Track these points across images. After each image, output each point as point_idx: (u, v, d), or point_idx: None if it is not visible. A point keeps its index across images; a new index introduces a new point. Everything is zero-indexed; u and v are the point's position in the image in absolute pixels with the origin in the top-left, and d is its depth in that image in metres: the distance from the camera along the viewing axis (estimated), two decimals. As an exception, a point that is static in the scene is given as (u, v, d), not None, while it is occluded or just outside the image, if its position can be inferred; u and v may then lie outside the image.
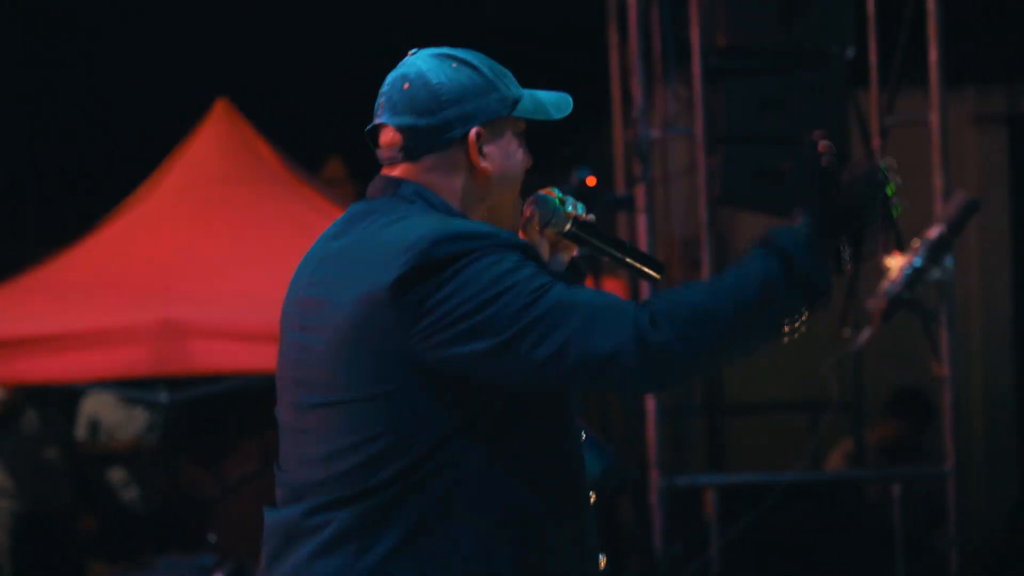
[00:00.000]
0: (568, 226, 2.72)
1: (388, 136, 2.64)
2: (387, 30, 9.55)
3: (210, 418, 9.65)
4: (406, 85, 2.61)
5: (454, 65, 2.62)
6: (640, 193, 6.56)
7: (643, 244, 6.52)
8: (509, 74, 2.68)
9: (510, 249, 2.48)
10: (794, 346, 8.05)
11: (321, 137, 10.17)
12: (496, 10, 9.78)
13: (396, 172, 2.63)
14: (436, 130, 2.60)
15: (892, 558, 6.28)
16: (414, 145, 2.61)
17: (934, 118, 6.28)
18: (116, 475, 8.74)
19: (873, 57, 6.44)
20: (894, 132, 6.53)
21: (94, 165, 9.53)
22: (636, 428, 6.44)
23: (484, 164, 2.61)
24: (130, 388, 8.26)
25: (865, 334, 6.46)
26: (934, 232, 5.99)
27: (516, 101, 2.65)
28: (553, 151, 9.90)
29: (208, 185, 6.83)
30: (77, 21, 9.78)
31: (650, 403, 6.32)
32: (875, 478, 7.31)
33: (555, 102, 2.71)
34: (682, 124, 6.91)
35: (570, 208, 2.73)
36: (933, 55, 6.26)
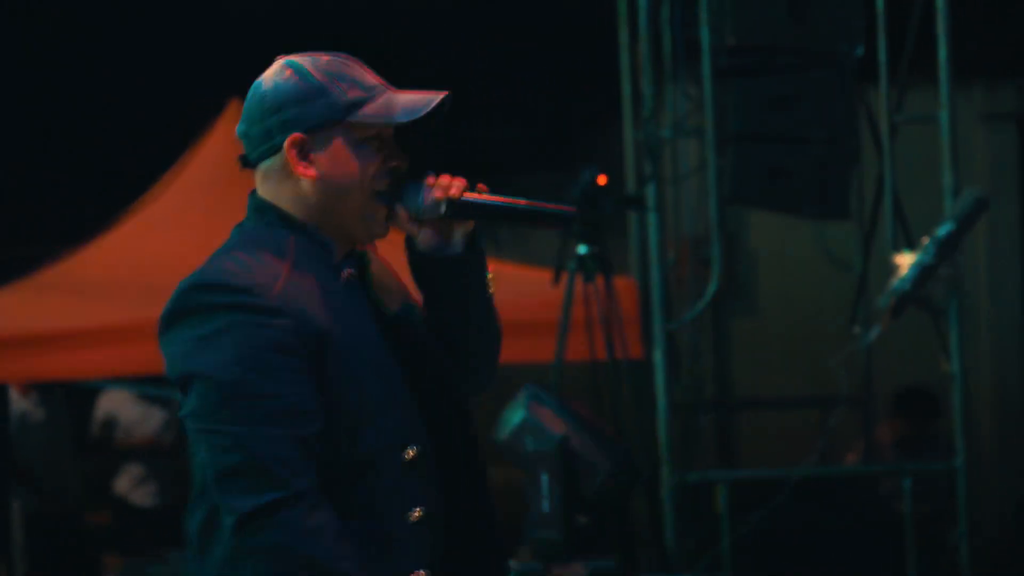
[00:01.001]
0: (443, 208, 2.61)
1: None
2: (396, 30, 9.60)
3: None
4: (249, 93, 2.63)
5: (286, 73, 2.59)
6: (650, 192, 6.60)
7: (652, 243, 6.56)
8: (360, 77, 2.60)
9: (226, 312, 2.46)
10: (805, 342, 8.12)
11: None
12: (507, 10, 9.81)
13: (255, 180, 2.65)
14: (262, 138, 2.58)
15: (903, 553, 6.30)
16: (249, 152, 2.62)
17: (943, 115, 6.31)
18: (133, 471, 8.81)
19: (882, 55, 6.47)
20: (903, 129, 6.54)
21: (110, 163, 9.58)
22: (647, 424, 6.48)
23: (306, 171, 2.56)
24: (147, 385, 8.31)
25: (875, 331, 6.49)
26: (943, 229, 6.01)
27: (352, 106, 2.56)
28: (563, 150, 9.94)
29: (222, 183, 6.87)
30: (91, 19, 9.83)
31: (660, 399, 6.36)
32: (885, 472, 7.33)
33: (409, 105, 2.60)
34: (692, 123, 6.94)
35: (439, 192, 2.61)
36: (942, 53, 6.29)
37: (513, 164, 10.47)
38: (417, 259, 2.68)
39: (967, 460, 6.23)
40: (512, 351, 6.84)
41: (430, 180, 2.63)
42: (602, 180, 6.07)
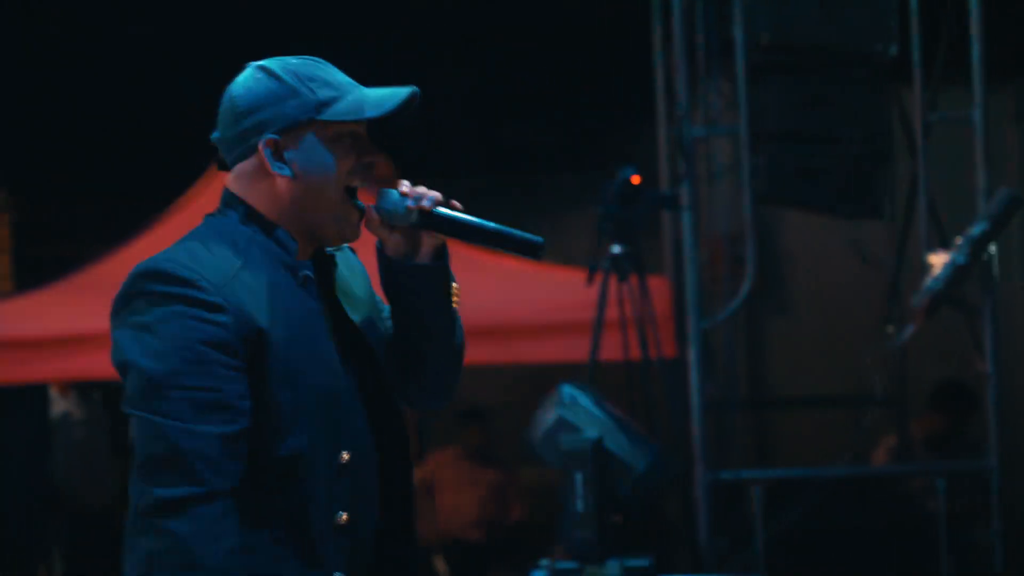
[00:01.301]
0: (414, 217, 2.65)
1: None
2: (434, 30, 9.62)
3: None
4: (223, 98, 2.66)
5: (257, 76, 2.63)
6: (684, 191, 6.61)
7: (687, 241, 6.57)
8: (329, 77, 2.65)
9: (174, 301, 2.49)
10: (839, 341, 8.11)
11: (370, 136, 10.24)
12: (540, 9, 9.82)
13: (227, 180, 2.68)
14: (236, 141, 2.62)
15: (936, 552, 6.30)
16: (225, 156, 2.66)
17: (977, 115, 6.30)
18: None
19: (916, 54, 6.47)
20: (937, 129, 6.54)
21: (147, 165, 9.64)
22: (681, 423, 6.49)
23: (281, 172, 2.60)
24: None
25: (909, 330, 6.48)
26: (977, 228, 6.01)
27: (323, 104, 2.61)
28: (597, 150, 9.95)
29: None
30: (136, 21, 9.90)
31: (694, 398, 6.37)
32: (919, 472, 7.32)
33: (377, 100, 2.65)
34: (726, 122, 6.94)
35: (411, 201, 2.64)
36: (976, 52, 6.28)
37: (547, 164, 10.49)
38: (385, 264, 2.70)
39: (1001, 459, 6.22)
40: (546, 351, 6.93)
41: (404, 188, 2.67)
42: (636, 179, 6.09)
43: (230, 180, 2.66)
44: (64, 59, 10.71)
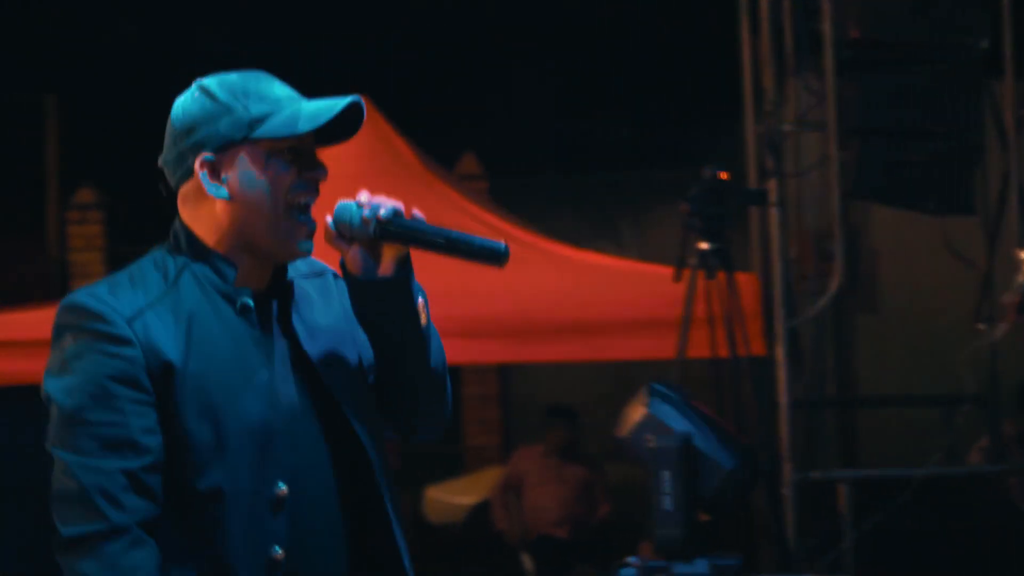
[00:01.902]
0: (372, 228, 2.55)
1: None
2: (519, 28, 9.63)
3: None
4: (168, 119, 2.62)
5: (195, 95, 2.57)
6: (772, 187, 6.57)
7: (775, 238, 6.53)
8: (266, 91, 2.56)
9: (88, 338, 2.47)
10: (929, 339, 8.02)
11: (456, 133, 10.27)
12: (628, 5, 9.80)
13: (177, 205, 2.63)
14: (176, 163, 2.57)
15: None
16: (168, 178, 2.60)
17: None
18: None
19: (1007, 48, 6.39)
20: (1029, 123, 6.47)
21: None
22: (769, 422, 6.45)
23: (217, 193, 2.53)
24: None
25: (1000, 328, 6.40)
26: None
27: (256, 121, 2.51)
28: (684, 146, 9.92)
29: (347, 180, 6.96)
30: (220, 15, 9.98)
31: (783, 397, 6.33)
32: (1011, 472, 7.24)
33: (312, 113, 2.53)
34: (814, 117, 6.89)
35: (368, 212, 2.54)
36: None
37: (634, 161, 10.47)
38: (348, 281, 2.62)
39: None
40: (633, 348, 6.91)
41: (362, 199, 2.57)
42: (724, 175, 6.05)
43: (180, 207, 2.60)
44: (154, 55, 10.81)
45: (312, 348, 2.60)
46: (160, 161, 2.61)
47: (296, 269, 2.66)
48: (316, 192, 2.57)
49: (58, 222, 10.57)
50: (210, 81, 2.58)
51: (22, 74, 11.47)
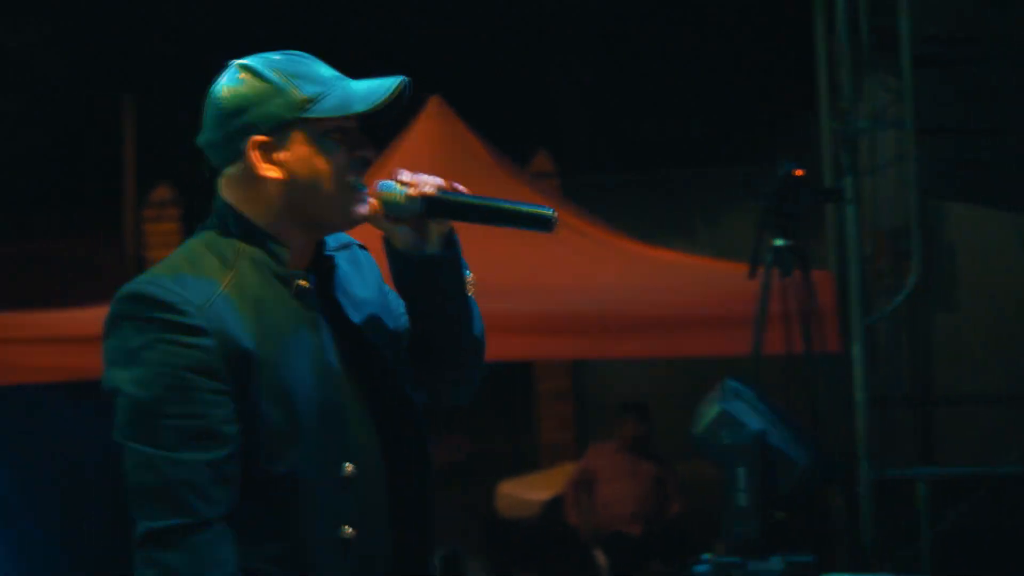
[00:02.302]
0: (419, 205, 2.54)
1: None
2: (593, 26, 9.63)
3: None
4: (206, 101, 2.58)
5: (240, 75, 2.54)
6: (847, 184, 6.54)
7: (851, 235, 6.50)
8: (315, 72, 2.55)
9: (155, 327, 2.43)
10: (1007, 337, 7.95)
11: (529, 132, 10.29)
12: (705, 2, 9.79)
13: (218, 186, 2.61)
14: (223, 144, 2.54)
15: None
16: (213, 161, 2.58)
17: None
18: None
19: (1087, 44, 6.32)
20: (1109, 119, 6.39)
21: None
22: (845, 419, 6.42)
23: (271, 173, 2.51)
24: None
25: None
26: None
27: (309, 101, 2.50)
28: (760, 143, 9.88)
29: (423, 179, 6.97)
30: (292, 14, 10.05)
31: (859, 394, 6.30)
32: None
33: (365, 93, 2.52)
34: (890, 114, 6.86)
35: (413, 190, 2.53)
36: None
37: (709, 158, 10.44)
38: (394, 258, 2.62)
39: None
40: (708, 345, 6.90)
41: (405, 177, 2.57)
42: (799, 173, 6.03)
43: (221, 185, 2.59)
44: (229, 53, 10.91)
45: (360, 323, 2.61)
46: (201, 142, 2.59)
47: (325, 243, 2.65)
48: (366, 170, 2.57)
49: (135, 220, 10.68)
50: (255, 61, 2.56)
51: (99, 74, 11.61)
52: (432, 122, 7.34)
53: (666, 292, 6.81)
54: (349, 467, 2.53)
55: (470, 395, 2.84)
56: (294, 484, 2.48)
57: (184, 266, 2.51)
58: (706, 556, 5.39)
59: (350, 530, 2.52)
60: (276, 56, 2.56)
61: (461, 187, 2.57)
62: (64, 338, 7.03)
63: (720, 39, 10.08)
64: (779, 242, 6.12)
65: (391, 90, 2.51)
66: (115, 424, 2.45)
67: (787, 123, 9.53)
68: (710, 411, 5.42)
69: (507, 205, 2.57)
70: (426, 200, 2.54)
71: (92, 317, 7.14)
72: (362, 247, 2.75)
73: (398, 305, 2.72)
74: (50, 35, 11.86)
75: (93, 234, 11.07)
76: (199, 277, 2.48)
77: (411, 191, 2.55)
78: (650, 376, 10.36)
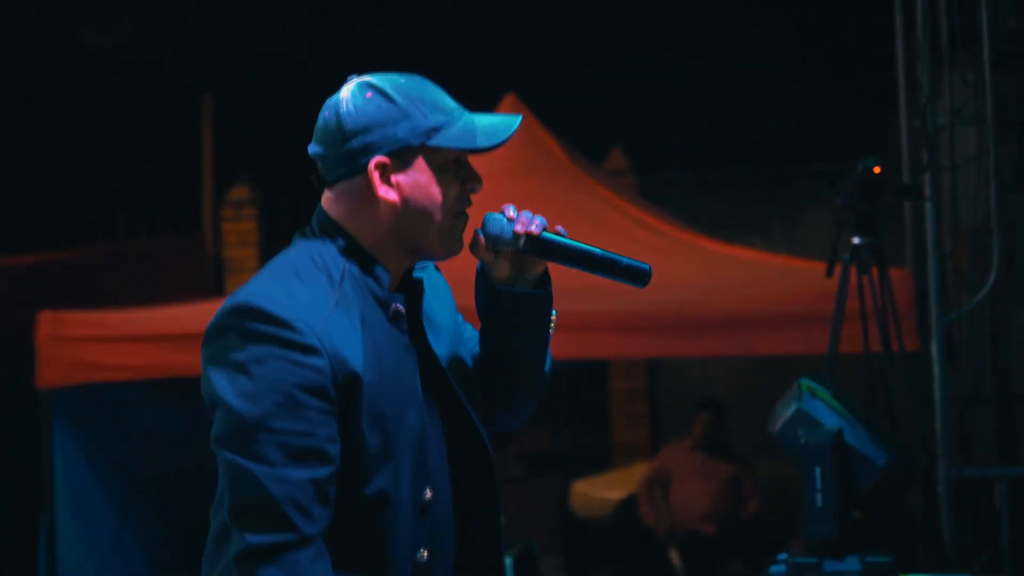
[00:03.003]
0: (522, 243, 2.60)
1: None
2: (668, 22, 9.60)
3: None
4: (326, 113, 2.58)
5: (368, 94, 2.54)
6: (926, 181, 6.48)
7: (929, 233, 6.44)
8: (439, 100, 2.57)
9: (262, 342, 2.43)
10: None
11: (604, 130, 10.29)
12: (782, 1, 9.74)
13: (323, 198, 2.62)
14: (342, 160, 2.54)
15: None
16: (325, 174, 2.58)
17: None
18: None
19: None
20: None
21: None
22: (923, 418, 6.36)
23: (388, 195, 2.53)
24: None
25: None
26: None
27: (434, 130, 2.53)
28: (838, 139, 9.82)
29: (498, 176, 7.00)
30: (369, 14, 10.09)
31: (937, 393, 6.24)
32: None
33: (489, 130, 2.55)
34: (970, 110, 6.79)
35: (520, 227, 2.60)
36: None
37: (787, 155, 10.38)
38: (487, 288, 2.66)
39: None
40: (785, 343, 6.86)
41: (511, 214, 2.61)
42: (877, 169, 5.98)
43: (327, 200, 2.59)
44: (306, 54, 10.97)
45: (439, 349, 2.65)
46: (316, 153, 2.59)
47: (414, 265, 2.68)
48: (469, 203, 2.61)
49: (213, 219, 10.76)
50: (382, 82, 2.57)
51: (179, 74, 11.71)
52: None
53: (742, 290, 6.78)
54: (429, 492, 2.56)
55: (522, 423, 2.88)
56: (382, 507, 2.50)
57: (293, 280, 2.51)
58: (783, 556, 5.36)
59: (426, 554, 2.56)
60: (402, 79, 2.58)
61: (561, 228, 2.63)
62: (145, 336, 7.10)
63: (799, 36, 10.02)
64: (857, 239, 6.07)
65: (512, 130, 2.56)
66: (215, 434, 2.46)
67: (866, 120, 9.45)
68: (787, 410, 5.39)
69: (606, 255, 2.62)
70: (530, 239, 2.60)
71: (172, 316, 7.23)
72: (437, 268, 2.78)
73: (468, 331, 2.78)
74: (135, 35, 11.99)
75: (172, 233, 11.17)
76: (310, 293, 2.49)
77: (517, 228, 2.60)
78: (726, 375, 10.32)
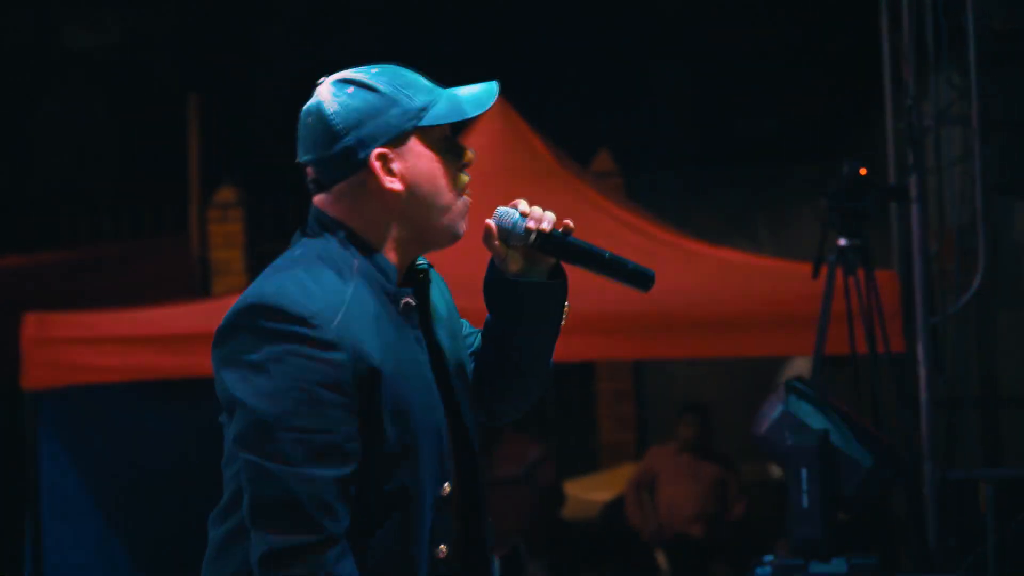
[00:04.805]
0: (532, 238, 2.59)
1: (308, 171, 2.58)
2: (655, 23, 9.60)
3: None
4: (309, 119, 2.53)
5: (349, 90, 2.51)
6: (912, 182, 6.49)
7: (915, 234, 6.44)
8: (418, 81, 2.55)
9: (279, 340, 2.39)
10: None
11: (590, 131, 10.28)
12: (767, 1, 9.74)
13: (316, 201, 2.57)
14: (339, 160, 2.50)
15: None
16: (323, 177, 2.53)
17: None
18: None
19: None
20: None
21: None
22: (909, 420, 6.36)
23: (394, 185, 2.50)
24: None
25: None
26: None
27: (423, 110, 2.51)
28: (823, 141, 9.82)
29: (483, 178, 6.98)
30: (357, 14, 10.08)
31: (923, 395, 6.24)
32: None
33: (473, 98, 2.55)
34: (956, 112, 6.79)
35: (531, 223, 2.57)
36: None
37: (774, 156, 10.39)
38: (497, 279, 2.62)
39: None
40: (770, 345, 6.85)
41: (523, 208, 2.59)
42: (863, 171, 5.98)
43: (324, 202, 2.55)
44: (294, 55, 10.96)
45: (446, 343, 2.63)
46: (307, 159, 2.55)
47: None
48: (469, 177, 2.60)
49: (199, 221, 10.74)
50: (359, 76, 2.54)
51: (165, 75, 11.69)
52: (494, 121, 7.34)
53: (728, 292, 6.78)
54: (447, 487, 2.54)
55: (517, 417, 2.86)
56: (402, 503, 2.48)
57: (304, 277, 2.46)
58: (768, 558, 5.36)
59: (444, 549, 2.53)
60: (374, 69, 2.56)
61: (571, 224, 2.61)
62: (131, 338, 7.09)
63: (784, 38, 10.03)
64: (843, 241, 6.08)
65: (495, 94, 2.57)
66: (235, 435, 2.42)
67: (852, 121, 9.46)
68: (772, 412, 5.39)
69: (614, 258, 2.62)
70: (541, 235, 2.59)
71: (158, 317, 7.22)
72: (430, 266, 2.74)
73: (463, 325, 2.76)
74: (121, 37, 11.97)
75: (158, 234, 11.15)
76: (323, 288, 2.45)
77: (529, 224, 2.58)
78: (712, 376, 10.32)
